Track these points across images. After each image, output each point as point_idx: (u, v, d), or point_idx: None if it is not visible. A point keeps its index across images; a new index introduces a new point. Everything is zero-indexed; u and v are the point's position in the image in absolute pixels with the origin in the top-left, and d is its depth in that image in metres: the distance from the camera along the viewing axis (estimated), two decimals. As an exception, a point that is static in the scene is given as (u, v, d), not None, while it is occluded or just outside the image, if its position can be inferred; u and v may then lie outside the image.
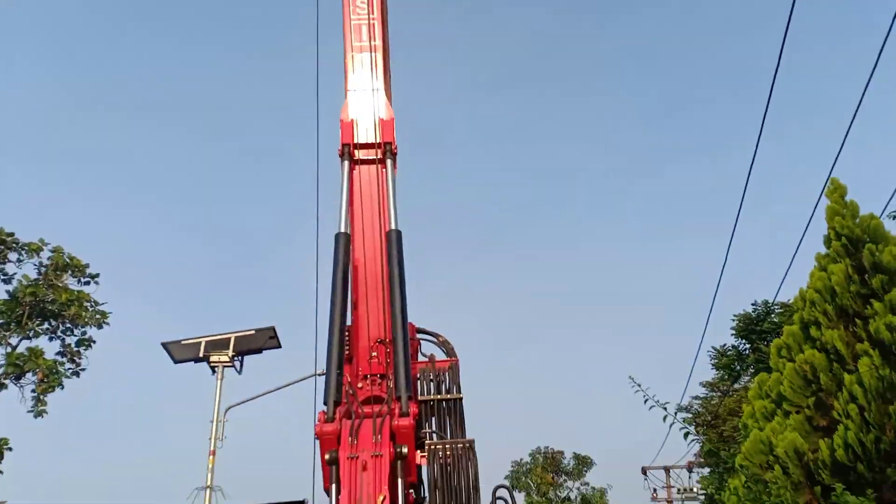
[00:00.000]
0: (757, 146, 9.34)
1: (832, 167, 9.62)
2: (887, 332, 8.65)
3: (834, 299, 9.37)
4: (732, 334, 21.36)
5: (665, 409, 9.04)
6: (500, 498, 7.71)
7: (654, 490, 31.25)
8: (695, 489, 29.12)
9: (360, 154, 9.18)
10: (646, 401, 9.19)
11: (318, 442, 6.87)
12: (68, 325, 16.58)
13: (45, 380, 15.39)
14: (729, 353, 21.84)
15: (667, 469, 31.00)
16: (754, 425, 9.24)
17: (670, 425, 8.46)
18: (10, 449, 17.58)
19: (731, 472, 9.68)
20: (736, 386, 23.62)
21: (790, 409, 8.86)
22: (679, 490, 30.84)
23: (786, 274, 18.25)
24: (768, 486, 6.83)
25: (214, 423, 18.31)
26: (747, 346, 21.00)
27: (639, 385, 10.58)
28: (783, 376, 9.12)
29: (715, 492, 20.77)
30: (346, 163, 8.95)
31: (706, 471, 27.10)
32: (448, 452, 7.87)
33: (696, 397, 23.21)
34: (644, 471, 31.10)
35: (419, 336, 9.87)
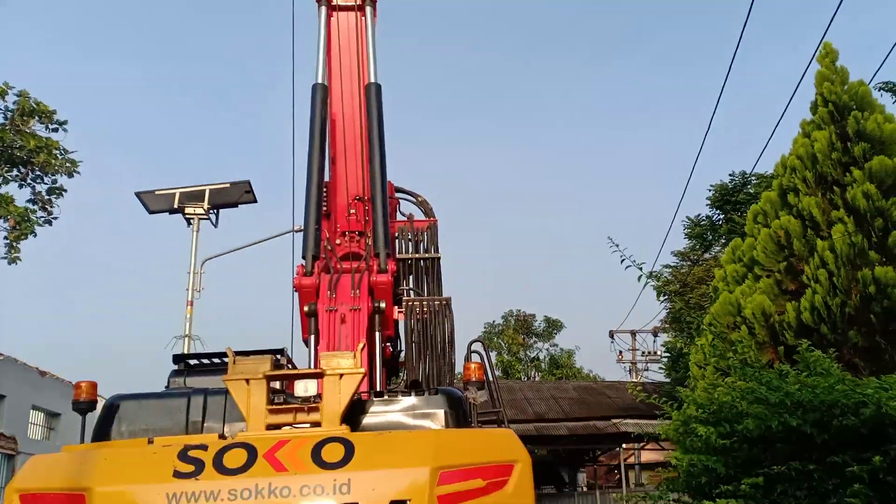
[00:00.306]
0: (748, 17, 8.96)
1: (825, 32, 9.30)
2: (864, 200, 8.72)
3: (815, 166, 9.37)
4: (707, 204, 21.56)
5: (640, 269, 9.23)
6: (475, 352, 7.87)
7: (620, 352, 32.60)
8: (658, 352, 30.42)
9: None
10: (622, 261, 9.40)
11: (296, 295, 6.88)
12: (38, 173, 16.27)
13: (17, 227, 15.25)
14: (702, 222, 22.11)
15: (633, 333, 32.19)
16: (724, 288, 9.46)
17: (643, 287, 8.63)
18: None
19: (697, 335, 10.02)
20: (706, 256, 24.10)
21: (761, 274, 9.05)
22: (644, 353, 32.21)
23: (767, 143, 18.17)
24: (734, 345, 7.06)
25: (191, 275, 18.45)
26: (721, 216, 21.23)
27: (616, 245, 10.74)
28: (757, 241, 9.25)
29: (679, 353, 21.70)
30: (324, 8, 8.43)
31: (671, 335, 28.21)
32: (425, 309, 7.94)
33: (667, 266, 23.67)
34: (611, 334, 32.26)
35: (398, 195, 9.75)
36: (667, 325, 29.04)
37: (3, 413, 21.10)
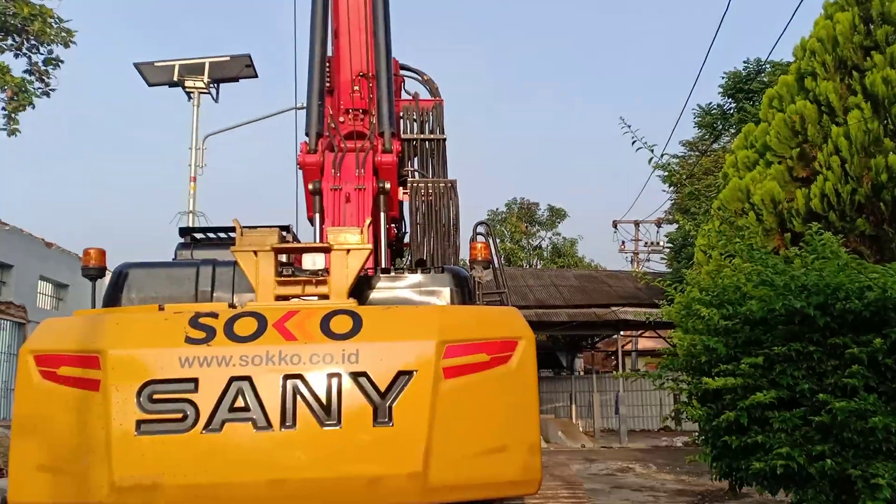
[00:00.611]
0: None
1: None
2: (883, 86, 8.47)
3: (835, 49, 9.04)
4: (720, 93, 21.07)
5: (651, 151, 9.08)
6: (480, 233, 7.88)
7: (623, 242, 32.80)
8: (661, 243, 30.62)
9: None
10: (633, 142, 9.23)
11: (300, 172, 6.80)
12: (33, 43, 15.76)
13: (15, 98, 14.98)
14: (713, 111, 21.70)
15: (637, 223, 32.28)
16: (734, 174, 9.35)
17: (652, 170, 8.52)
18: None
19: (705, 221, 9.96)
20: (715, 146, 23.80)
21: (773, 160, 8.91)
22: (646, 243, 32.43)
23: (786, 26, 17.49)
24: (741, 231, 7.03)
25: (193, 150, 18.32)
26: (733, 105, 20.79)
27: (628, 126, 10.52)
28: (771, 127, 9.06)
29: (682, 244, 21.81)
30: None
31: (674, 227, 28.28)
32: (430, 190, 7.89)
33: (674, 156, 23.40)
34: (615, 224, 32.36)
35: (403, 73, 9.46)
36: (671, 217, 29.06)
37: (11, 282, 21.45)
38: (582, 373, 31.12)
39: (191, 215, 17.86)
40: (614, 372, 21.85)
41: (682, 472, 14.79)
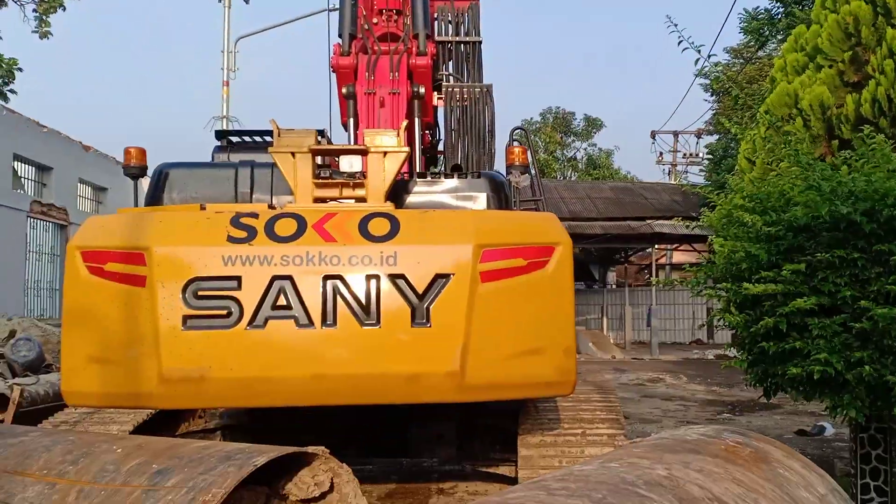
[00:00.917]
0: None
1: None
2: (945, -17, 7.97)
3: (895, -55, 8.47)
4: (768, -4, 20.07)
5: (699, 51, 8.70)
6: (516, 139, 7.76)
7: (661, 154, 32.18)
8: (700, 154, 29.96)
9: None
10: (679, 42, 8.84)
11: (334, 76, 6.71)
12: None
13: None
14: (760, 16, 20.73)
15: (676, 134, 31.53)
16: (782, 79, 9.00)
17: (697, 71, 8.19)
18: (20, 69, 17.88)
19: (752, 123, 9.66)
20: (760, 54, 22.89)
21: (823, 63, 8.53)
22: (685, 154, 31.75)
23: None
24: (788, 137, 6.80)
25: (225, 54, 18.16)
26: (781, 9, 19.82)
27: (675, 25, 10.09)
28: (822, 29, 8.63)
29: (721, 156, 21.31)
30: None
31: (714, 138, 27.59)
32: (465, 95, 7.73)
33: (717, 64, 22.52)
34: (653, 134, 31.66)
35: (438, -29, 9.13)
36: (711, 128, 28.30)
37: (52, 185, 21.89)
38: (614, 286, 31.20)
39: (224, 120, 17.90)
40: (653, 278, 21.78)
41: (712, 383, 14.97)
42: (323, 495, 2.97)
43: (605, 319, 27.28)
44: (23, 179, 21.09)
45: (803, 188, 4.79)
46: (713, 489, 2.23)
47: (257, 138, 6.52)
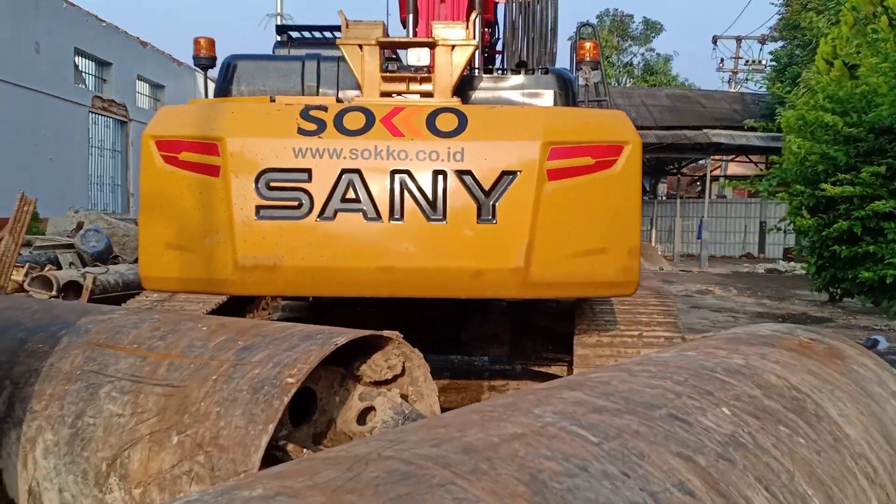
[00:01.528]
0: None
1: None
2: None
3: None
4: None
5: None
6: (584, 36, 7.51)
7: (722, 60, 30.87)
8: (763, 62, 28.62)
9: None
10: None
11: (393, -30, 6.52)
12: None
13: None
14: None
15: (738, 39, 30.09)
16: (868, -25, 8.46)
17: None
18: None
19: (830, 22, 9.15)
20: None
21: (913, -41, 7.99)
22: (747, 62, 30.38)
23: None
24: (875, 35, 6.44)
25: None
26: None
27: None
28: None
29: (787, 62, 20.35)
30: None
31: (779, 44, 26.27)
32: (527, -7, 7.45)
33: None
34: (714, 40, 30.30)
35: None
36: (776, 34, 26.95)
37: (111, 80, 22.11)
38: (664, 198, 30.73)
39: (278, 17, 17.71)
40: (723, 180, 21.25)
41: (762, 296, 14.84)
42: (395, 378, 3.07)
43: (653, 231, 27.01)
44: (84, 74, 21.28)
45: (888, 88, 4.57)
46: (791, 379, 2.23)
47: (317, 34, 6.43)
